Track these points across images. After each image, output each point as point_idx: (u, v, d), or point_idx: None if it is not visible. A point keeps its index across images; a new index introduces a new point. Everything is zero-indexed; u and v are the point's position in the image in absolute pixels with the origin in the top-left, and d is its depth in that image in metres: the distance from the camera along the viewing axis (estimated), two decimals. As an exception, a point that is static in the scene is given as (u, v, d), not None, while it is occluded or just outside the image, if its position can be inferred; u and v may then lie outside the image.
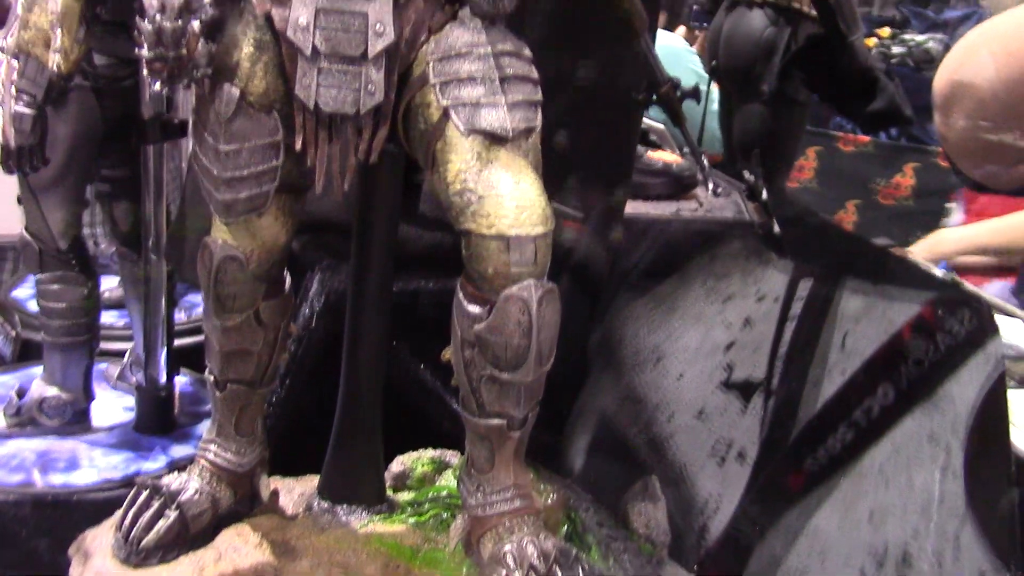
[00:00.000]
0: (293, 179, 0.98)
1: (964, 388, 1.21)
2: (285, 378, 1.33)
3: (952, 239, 2.33)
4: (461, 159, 0.88)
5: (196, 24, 0.93)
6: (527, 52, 0.93)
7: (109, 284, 1.82)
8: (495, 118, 0.88)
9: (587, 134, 1.49)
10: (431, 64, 0.91)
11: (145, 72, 0.95)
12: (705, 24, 2.50)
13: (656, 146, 2.03)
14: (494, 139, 0.88)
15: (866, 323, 1.32)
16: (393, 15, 0.90)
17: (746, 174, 1.67)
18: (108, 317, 1.77)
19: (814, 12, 2.02)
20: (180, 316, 1.81)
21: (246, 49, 0.94)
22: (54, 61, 0.97)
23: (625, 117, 1.52)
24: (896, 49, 4.14)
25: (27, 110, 1.07)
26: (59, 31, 0.96)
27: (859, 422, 1.26)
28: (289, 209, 1.02)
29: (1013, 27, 1.43)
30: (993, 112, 1.41)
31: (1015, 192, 2.09)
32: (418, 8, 0.91)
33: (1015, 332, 1.76)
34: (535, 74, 0.93)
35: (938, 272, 1.74)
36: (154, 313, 1.52)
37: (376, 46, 0.90)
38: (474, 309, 0.91)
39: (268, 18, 0.93)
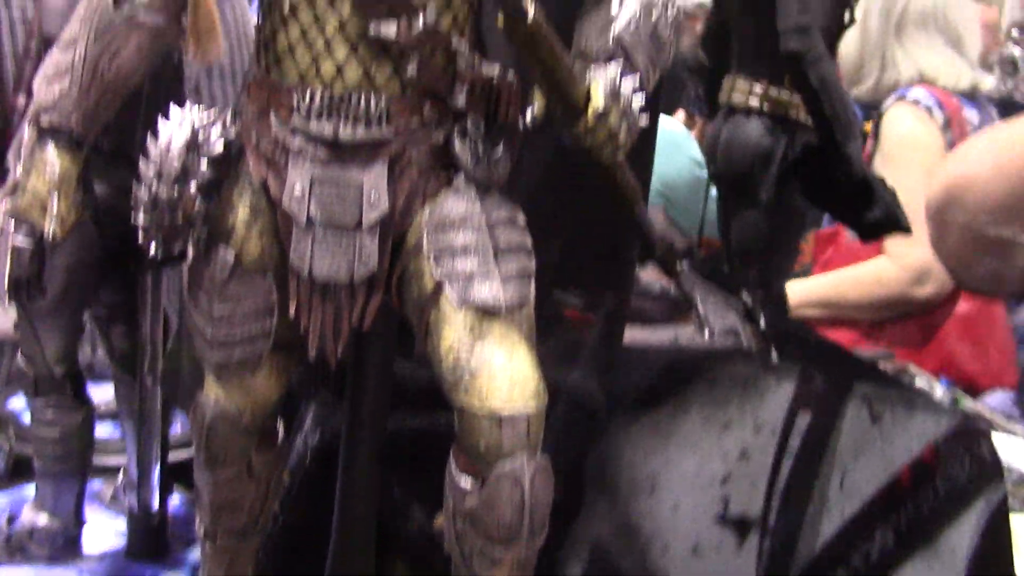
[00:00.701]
0: (287, 338, 0.98)
1: (964, 536, 1.20)
2: (277, 519, 1.31)
3: (794, 291, 2.35)
4: (454, 333, 0.88)
5: (192, 187, 0.94)
6: (521, 218, 0.94)
7: (106, 395, 1.82)
8: (488, 292, 0.88)
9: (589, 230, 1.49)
10: (425, 234, 0.91)
11: (141, 238, 0.96)
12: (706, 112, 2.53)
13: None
14: (487, 313, 0.88)
15: (865, 461, 1.31)
16: (388, 184, 0.91)
17: (744, 295, 1.67)
18: (103, 430, 1.76)
19: (811, 121, 2.03)
20: (176, 428, 1.81)
21: (241, 213, 0.95)
22: (50, 228, 0.98)
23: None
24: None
25: (25, 244, 1.08)
26: (56, 197, 0.97)
27: (858, 567, 1.24)
28: (283, 366, 1.02)
29: (1009, 129, 1.44)
30: (994, 204, 1.42)
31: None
32: (412, 177, 0.92)
33: (1017, 452, 1.75)
34: (529, 242, 0.94)
35: (939, 389, 1.73)
36: (148, 437, 1.52)
37: (371, 216, 0.91)
38: (466, 483, 0.90)
39: (264, 184, 0.94)
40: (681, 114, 3.92)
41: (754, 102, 2.16)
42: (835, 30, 2.10)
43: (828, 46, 2.03)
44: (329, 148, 0.89)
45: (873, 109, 2.83)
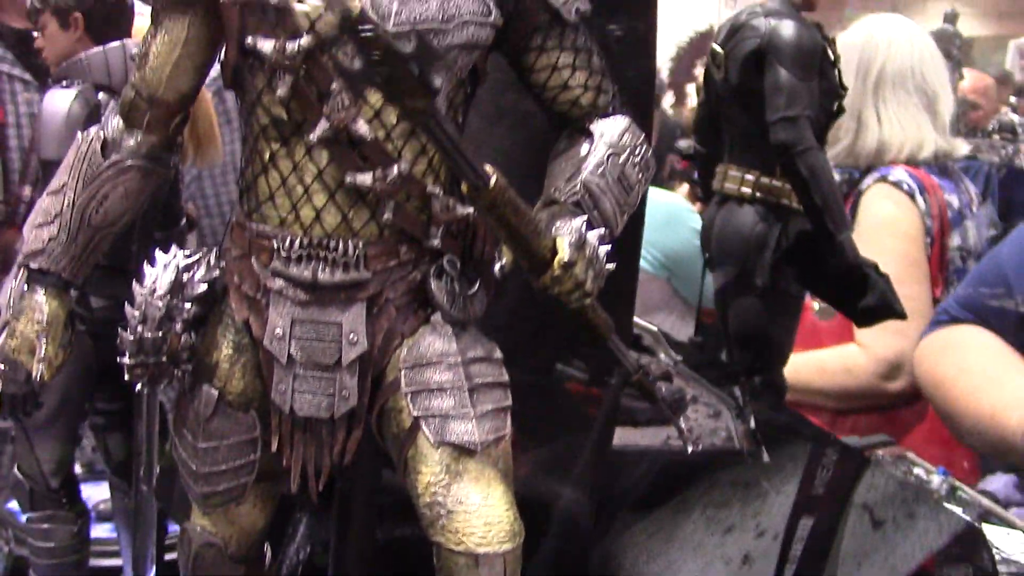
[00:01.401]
0: (271, 468, 0.99)
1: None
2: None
3: None
4: (431, 471, 0.89)
5: (178, 326, 0.96)
6: (497, 354, 0.95)
7: (104, 494, 1.83)
8: (464, 431, 0.90)
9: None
10: (403, 372, 0.93)
11: (127, 377, 0.98)
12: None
13: (649, 351, 2.04)
14: (463, 451, 0.89)
15: (868, 569, 1.30)
16: (366, 324, 0.92)
17: (736, 392, 1.68)
18: (101, 530, 1.77)
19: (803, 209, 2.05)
20: (174, 527, 1.81)
21: (225, 351, 0.97)
22: (38, 371, 1.00)
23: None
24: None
25: (14, 389, 1.09)
26: (45, 341, 0.99)
27: None
28: (268, 495, 1.03)
29: None
30: None
31: None
32: (390, 316, 0.94)
33: (1017, 544, 1.73)
34: (505, 377, 0.95)
35: (936, 479, 1.72)
36: (144, 542, 1.52)
37: (350, 355, 0.92)
38: None
39: (247, 323, 0.96)
40: (685, 188, 3.95)
41: (746, 190, 2.18)
42: (824, 120, 2.13)
43: (817, 136, 2.06)
44: (309, 290, 0.91)
45: (848, 174, 2.80)
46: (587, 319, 0.92)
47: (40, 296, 0.99)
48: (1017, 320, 2.06)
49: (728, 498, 1.48)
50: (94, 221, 0.98)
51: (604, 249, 0.89)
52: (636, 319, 2.17)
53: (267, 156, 0.91)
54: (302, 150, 0.89)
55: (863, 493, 1.42)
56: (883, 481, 1.43)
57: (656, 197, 3.04)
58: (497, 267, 0.89)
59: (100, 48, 1.31)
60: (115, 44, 1.33)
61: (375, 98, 0.87)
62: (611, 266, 0.90)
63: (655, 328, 2.13)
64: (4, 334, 0.99)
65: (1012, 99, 4.76)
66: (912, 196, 2.69)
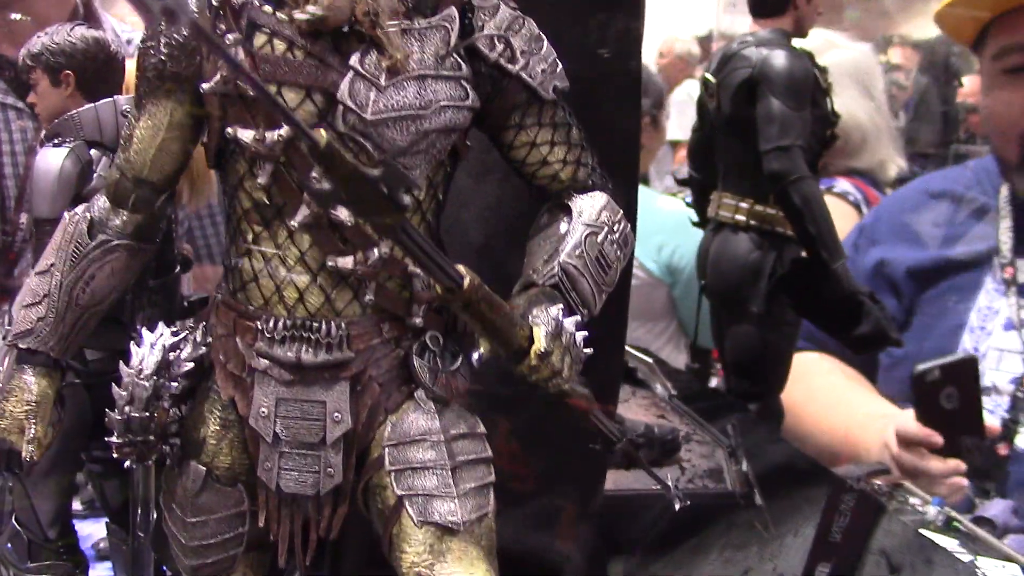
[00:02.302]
0: (260, 539, 1.00)
1: None
2: None
3: None
4: (415, 550, 0.90)
5: (165, 403, 0.97)
6: (480, 429, 0.96)
7: (103, 532, 1.84)
8: (447, 510, 0.90)
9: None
10: (387, 449, 0.93)
11: (115, 455, 0.99)
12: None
13: (644, 384, 2.04)
14: (446, 531, 0.90)
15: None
16: (350, 402, 0.93)
17: (729, 431, 1.68)
18: (100, 570, 1.78)
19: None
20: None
21: (212, 427, 0.98)
22: (27, 452, 1.01)
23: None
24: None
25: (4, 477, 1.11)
26: (34, 421, 1.00)
27: None
28: (258, 564, 1.04)
29: None
30: None
31: None
32: (374, 393, 0.94)
33: (1014, 576, 1.73)
34: (488, 452, 0.96)
35: (932, 510, 1.72)
36: (142, 588, 1.53)
37: (334, 433, 0.93)
38: None
39: (232, 401, 0.97)
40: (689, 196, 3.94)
41: (741, 218, 2.19)
42: (817, 148, 2.13)
43: (810, 164, 2.06)
44: (293, 370, 0.92)
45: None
46: (567, 400, 0.92)
47: (29, 376, 1.00)
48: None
49: (746, 540, 1.49)
50: (81, 301, 0.99)
51: (581, 335, 0.90)
52: (630, 349, 2.18)
53: (250, 238, 0.92)
54: (284, 233, 0.90)
55: (880, 539, 1.42)
56: (900, 528, 1.43)
57: (666, 205, 3.05)
58: (475, 356, 0.90)
59: (91, 105, 1.32)
60: (106, 101, 1.34)
61: None
62: (588, 351, 0.90)
63: (650, 359, 2.13)
64: None
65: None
66: (858, 206, 2.72)
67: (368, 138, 0.86)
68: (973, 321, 2.33)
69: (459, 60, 0.89)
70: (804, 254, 2.07)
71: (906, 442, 2.03)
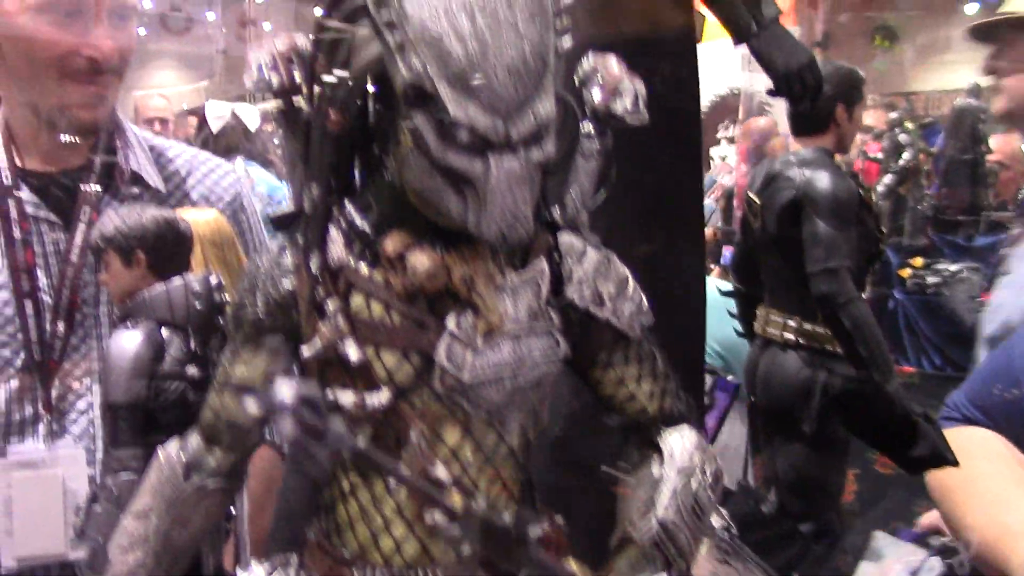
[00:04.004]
0: None
1: None
2: None
3: None
4: None
5: None
6: None
7: None
8: None
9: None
10: None
11: None
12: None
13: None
14: None
15: None
16: None
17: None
18: None
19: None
20: None
21: None
22: None
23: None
24: (931, 279, 4.21)
25: None
26: None
27: None
28: None
29: None
30: None
31: None
32: None
33: None
34: None
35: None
36: None
37: None
38: None
39: None
40: (716, 270, 3.96)
41: (789, 336, 2.20)
42: (864, 265, 2.14)
43: (857, 281, 2.07)
44: None
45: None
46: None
47: None
48: None
49: None
50: (178, 544, 1.00)
51: None
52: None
53: (346, 486, 0.92)
54: (381, 485, 0.91)
55: None
56: None
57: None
58: None
59: (163, 287, 1.34)
60: (177, 282, 1.36)
61: (451, 437, 0.89)
62: None
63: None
64: None
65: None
66: None
67: (465, 397, 0.87)
68: None
69: (551, 314, 0.90)
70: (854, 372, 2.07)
71: None
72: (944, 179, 4.74)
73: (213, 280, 1.34)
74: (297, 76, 0.94)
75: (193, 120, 5.32)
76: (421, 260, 0.85)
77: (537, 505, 0.97)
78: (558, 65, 0.84)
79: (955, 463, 2.06)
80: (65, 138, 1.75)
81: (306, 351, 0.89)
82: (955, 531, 2.12)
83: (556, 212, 0.96)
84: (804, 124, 2.18)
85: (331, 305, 0.87)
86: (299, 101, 0.96)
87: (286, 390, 0.62)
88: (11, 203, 1.66)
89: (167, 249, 1.37)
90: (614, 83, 0.92)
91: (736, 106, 5.25)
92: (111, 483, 1.22)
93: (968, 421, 2.13)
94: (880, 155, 5.01)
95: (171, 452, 1.01)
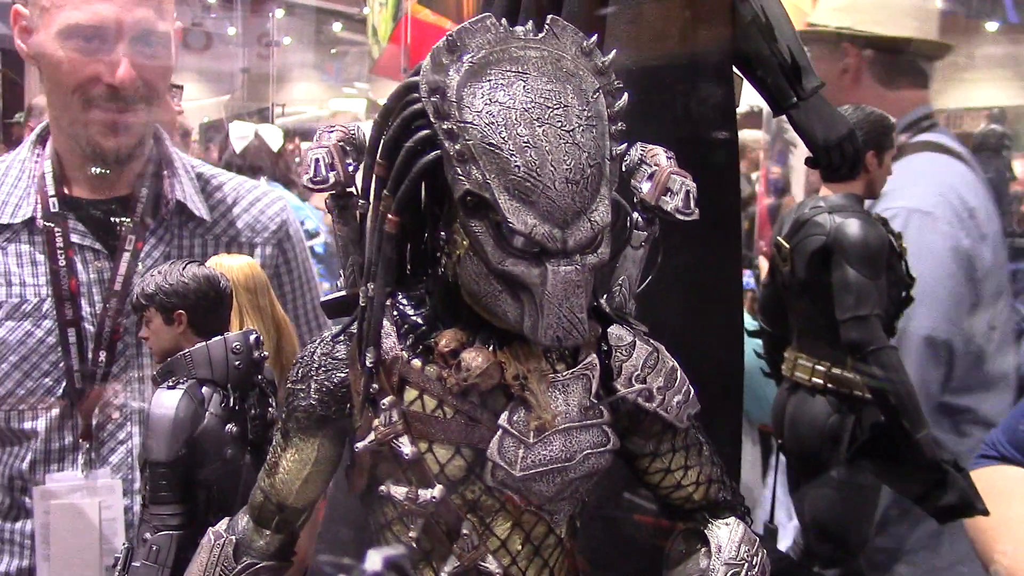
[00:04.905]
0: None
1: None
2: None
3: None
4: None
5: None
6: None
7: None
8: None
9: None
10: None
11: None
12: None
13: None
14: None
15: None
16: None
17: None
18: None
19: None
20: None
21: None
22: None
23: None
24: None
25: None
26: None
27: None
28: None
29: None
30: None
31: None
32: None
33: None
34: None
35: None
36: None
37: None
38: None
39: None
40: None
41: (818, 380, 2.19)
42: (894, 311, 2.14)
43: (887, 327, 2.07)
44: None
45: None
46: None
47: None
48: None
49: None
50: None
51: None
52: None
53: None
54: (431, 573, 0.92)
55: None
56: None
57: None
58: None
59: (203, 344, 1.36)
60: (217, 339, 1.38)
61: (501, 529, 0.90)
62: None
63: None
64: None
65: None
66: None
67: (516, 491, 0.88)
68: None
69: (601, 408, 0.91)
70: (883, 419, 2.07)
71: None
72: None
73: (252, 338, 1.36)
74: (350, 170, 0.95)
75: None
76: (475, 359, 0.87)
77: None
78: (613, 169, 0.85)
79: (985, 512, 2.06)
80: (95, 169, 1.77)
81: (360, 445, 0.90)
82: (986, 566, 2.12)
83: (603, 302, 0.97)
84: (834, 171, 2.18)
85: (386, 401, 0.88)
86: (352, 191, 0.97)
87: (377, 561, 0.63)
88: (57, 232, 1.68)
89: (208, 307, 1.39)
90: (664, 178, 0.93)
91: (755, 123, 5.23)
92: (151, 539, 1.24)
93: (1005, 460, 2.14)
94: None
95: (222, 535, 1.03)
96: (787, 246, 2.18)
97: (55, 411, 1.63)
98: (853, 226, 2.07)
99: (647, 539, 1.59)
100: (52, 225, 1.67)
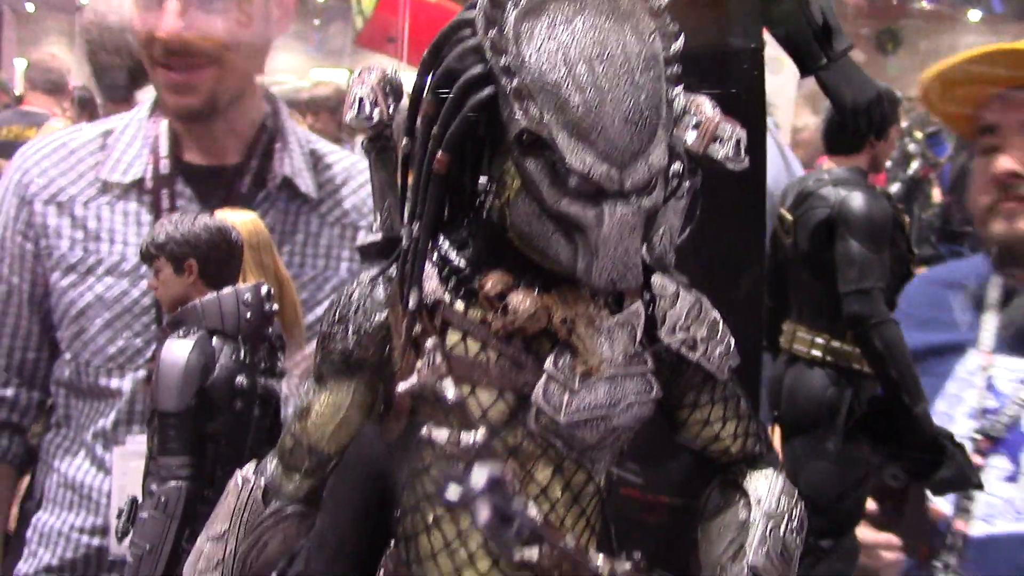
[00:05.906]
0: None
1: None
2: None
3: None
4: None
5: None
6: None
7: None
8: None
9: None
10: None
11: None
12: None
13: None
14: None
15: None
16: None
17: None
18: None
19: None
20: None
21: None
22: None
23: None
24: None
25: None
26: None
27: None
28: None
29: None
30: None
31: None
32: None
33: None
34: None
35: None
36: None
37: None
38: None
39: None
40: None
41: (817, 353, 2.20)
42: (895, 285, 2.14)
43: (889, 302, 2.08)
44: None
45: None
46: None
47: None
48: None
49: None
50: (255, 567, 0.99)
51: None
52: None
53: (430, 518, 0.92)
54: (467, 520, 0.90)
55: None
56: None
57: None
58: None
59: (214, 295, 1.33)
60: (228, 291, 1.35)
61: (541, 475, 0.88)
62: None
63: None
64: None
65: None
66: None
67: (560, 437, 0.87)
68: (940, 407, 2.28)
69: (645, 356, 0.90)
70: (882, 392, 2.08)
71: None
72: (951, 189, 4.76)
73: (263, 290, 1.33)
74: (390, 111, 0.93)
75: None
76: (523, 302, 0.85)
77: (614, 544, 0.97)
78: (669, 114, 0.83)
79: (980, 486, 2.07)
80: (187, 130, 1.71)
81: (402, 387, 0.88)
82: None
83: (645, 252, 0.95)
84: (839, 143, 2.18)
85: (429, 343, 0.87)
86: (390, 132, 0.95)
87: (480, 476, 0.62)
88: (164, 193, 1.66)
89: (219, 258, 1.36)
90: (713, 127, 0.92)
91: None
92: (158, 490, 1.22)
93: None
94: (888, 164, 5.03)
95: (249, 476, 1.01)
96: (790, 218, 2.18)
97: (142, 372, 1.63)
98: (858, 199, 2.07)
99: (635, 514, 1.59)
100: (159, 186, 1.67)
